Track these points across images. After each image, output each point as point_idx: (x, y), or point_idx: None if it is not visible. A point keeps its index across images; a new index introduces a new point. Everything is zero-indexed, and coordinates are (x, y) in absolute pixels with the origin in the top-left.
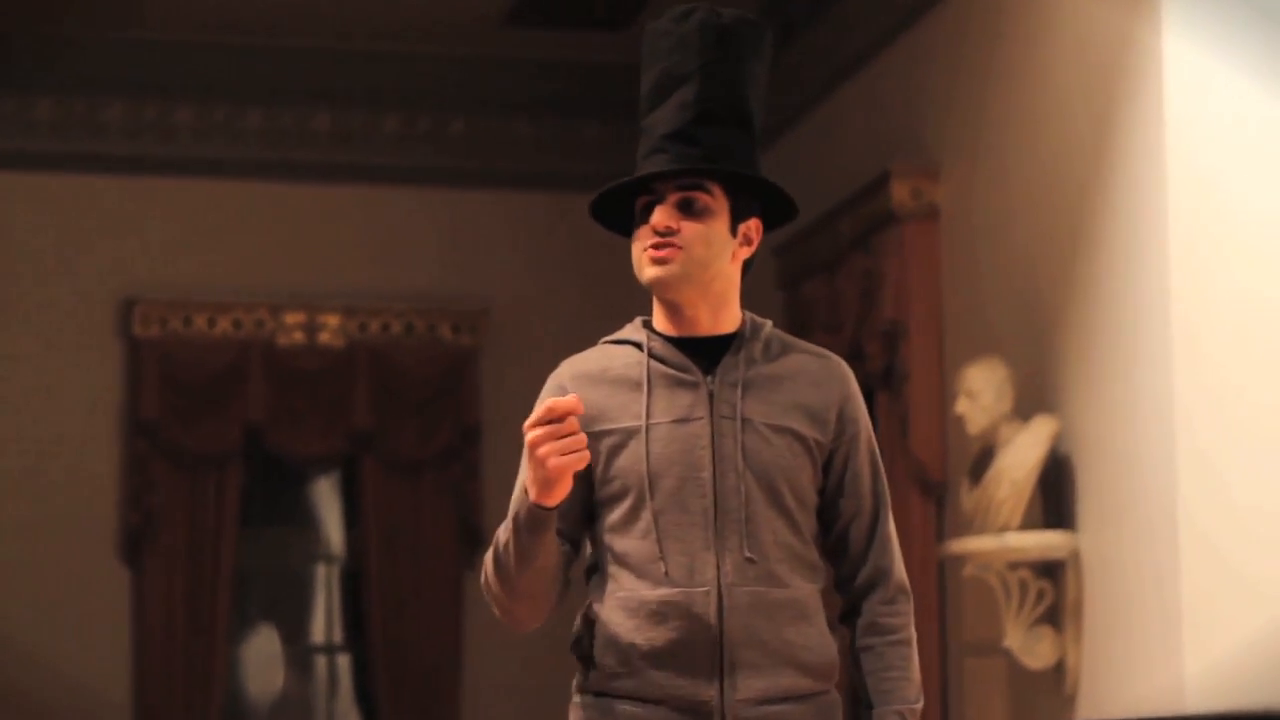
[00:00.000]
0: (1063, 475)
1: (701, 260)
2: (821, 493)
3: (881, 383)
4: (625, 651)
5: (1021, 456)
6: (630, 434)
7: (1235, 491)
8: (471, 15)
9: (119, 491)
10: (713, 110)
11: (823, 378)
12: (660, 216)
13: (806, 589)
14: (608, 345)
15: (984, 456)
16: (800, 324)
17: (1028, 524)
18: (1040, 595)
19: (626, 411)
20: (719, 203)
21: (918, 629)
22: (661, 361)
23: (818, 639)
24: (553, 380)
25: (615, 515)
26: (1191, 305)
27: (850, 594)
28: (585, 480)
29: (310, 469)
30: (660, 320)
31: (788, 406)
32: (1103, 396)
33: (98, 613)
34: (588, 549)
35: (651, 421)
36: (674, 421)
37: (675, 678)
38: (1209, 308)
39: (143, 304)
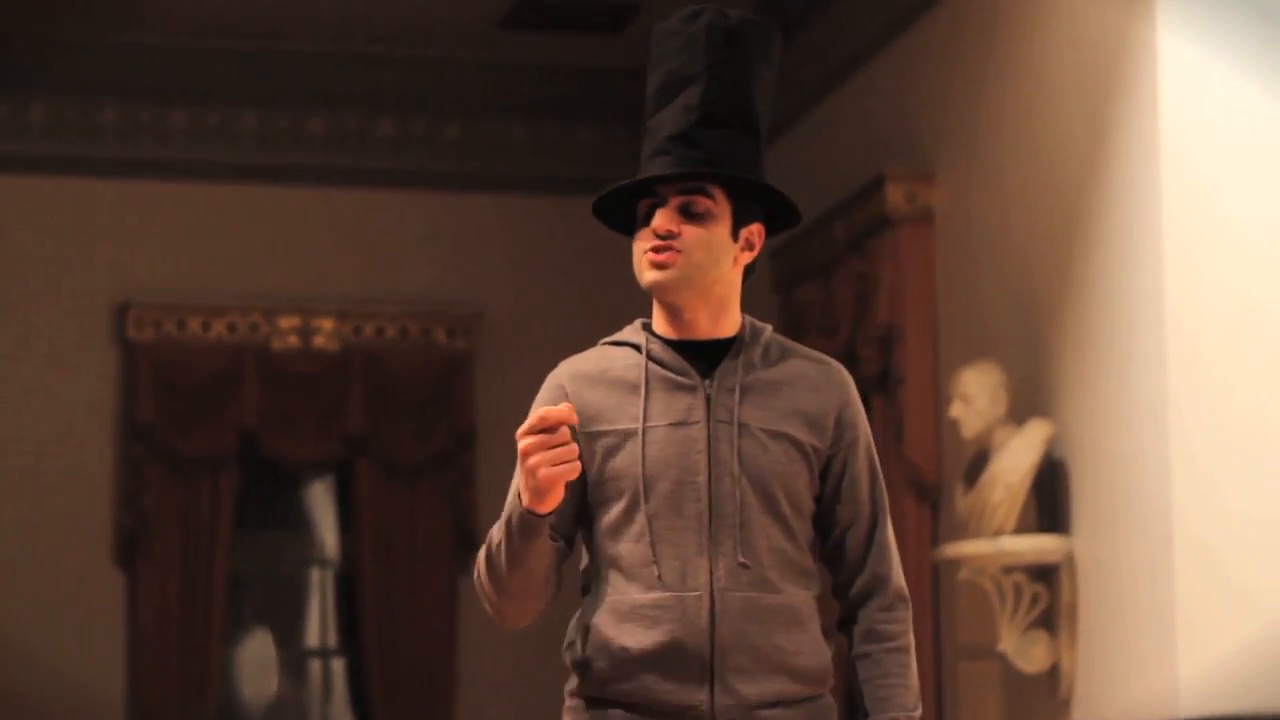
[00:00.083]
0: (1057, 479)
1: (702, 264)
2: (819, 499)
3: (876, 387)
4: (616, 655)
5: (1016, 460)
6: (627, 436)
7: (1229, 495)
8: (467, 19)
9: (113, 495)
10: (717, 113)
11: (821, 383)
12: (661, 220)
13: (800, 595)
14: (607, 346)
15: (978, 460)
16: (795, 328)
17: (1022, 528)
18: (1035, 599)
19: (623, 413)
20: (721, 207)
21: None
22: (660, 364)
23: (810, 644)
24: (551, 380)
25: (609, 517)
26: (1186, 309)
27: (848, 601)
28: (580, 480)
29: (305, 473)
30: (660, 323)
31: (785, 412)
32: (1097, 400)
33: (92, 616)
34: (582, 552)
35: (649, 424)
36: (671, 425)
37: (665, 682)
38: (1204, 311)
39: (137, 308)
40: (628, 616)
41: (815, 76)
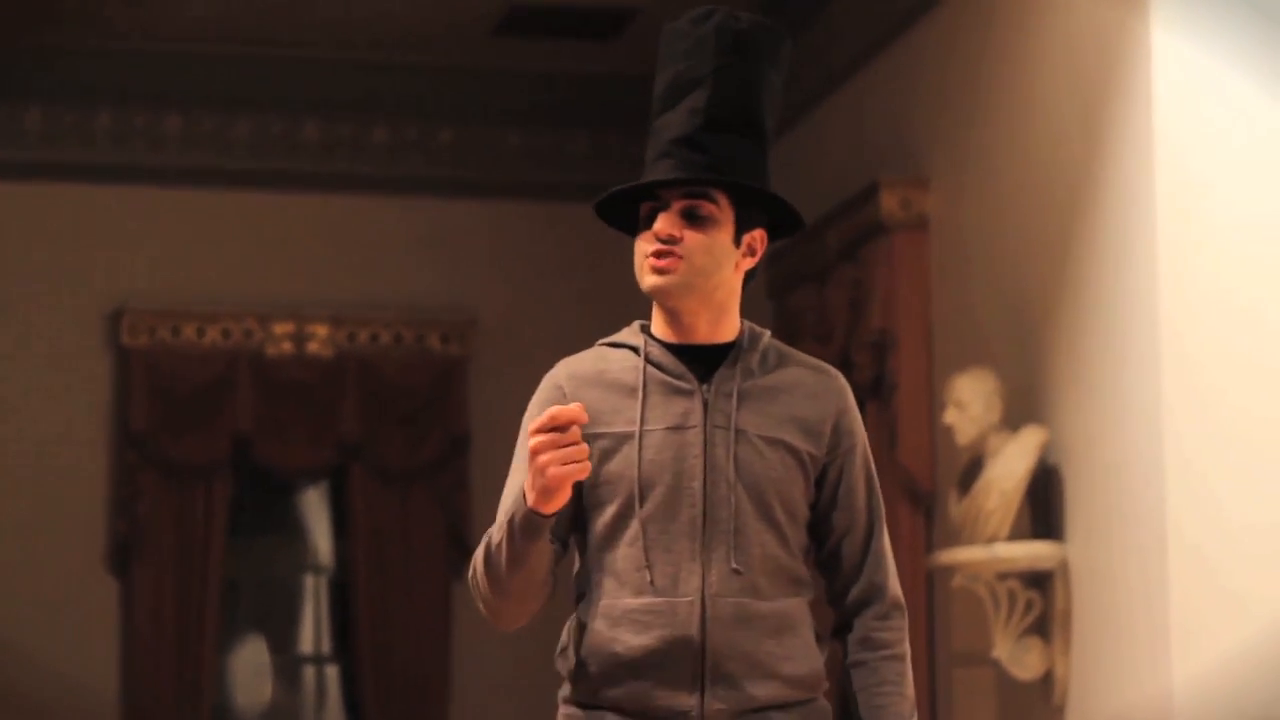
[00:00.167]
0: (1051, 486)
1: (703, 270)
2: (814, 507)
3: (870, 393)
4: (608, 660)
5: (1010, 467)
6: (623, 439)
7: (1223, 502)
8: (461, 25)
9: (107, 501)
10: (723, 117)
11: (819, 391)
12: (663, 224)
13: (792, 602)
14: (604, 348)
15: (972, 467)
16: (789, 334)
17: (1016, 534)
18: (1029, 606)
19: (620, 416)
20: (724, 212)
21: None
22: (658, 368)
23: (802, 650)
24: (548, 380)
25: (603, 521)
26: (1180, 315)
27: (844, 609)
28: (575, 482)
29: (299, 479)
30: (659, 326)
31: (782, 419)
32: (1091, 407)
33: (87, 622)
34: (576, 556)
35: (645, 428)
36: (668, 429)
37: (657, 687)
38: (1198, 317)
39: (131, 314)
40: (619, 621)
41: (809, 83)
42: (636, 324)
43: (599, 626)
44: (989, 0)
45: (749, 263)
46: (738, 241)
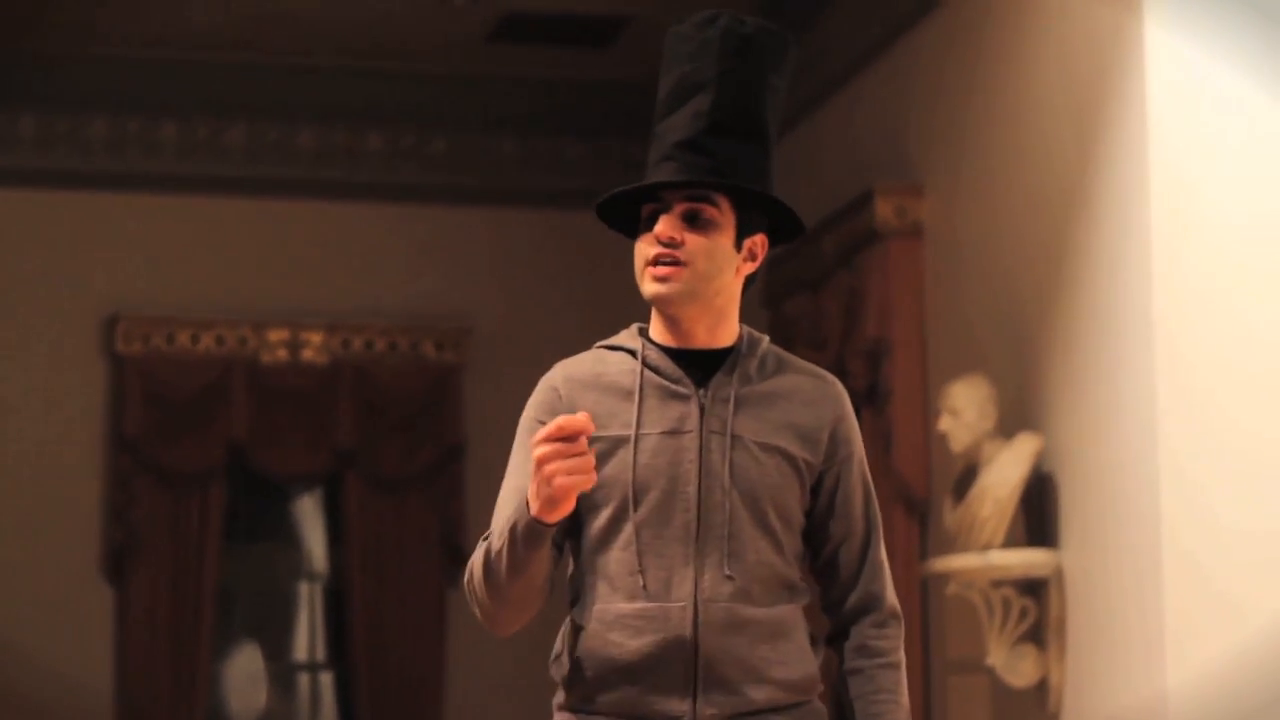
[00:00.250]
0: (1046, 493)
1: (705, 275)
2: (810, 514)
3: (865, 400)
4: (601, 665)
5: (1004, 474)
6: (619, 443)
7: (1217, 509)
8: (455, 32)
9: (102, 509)
10: (727, 121)
11: (816, 398)
12: (665, 226)
13: (786, 609)
14: (602, 350)
15: (967, 474)
16: (784, 342)
17: (1011, 542)
18: (1023, 613)
19: (616, 419)
20: (725, 216)
21: None
22: (655, 371)
23: (795, 654)
24: (545, 382)
25: (597, 524)
26: (1174, 323)
27: (840, 617)
28: None
29: (293, 486)
30: (657, 329)
31: (779, 425)
32: (1086, 414)
33: (82, 629)
34: (570, 559)
35: (641, 432)
36: (663, 433)
37: (648, 693)
38: (1192, 324)
39: (126, 321)
40: (612, 626)
41: (804, 90)
42: (635, 326)
43: (592, 631)
44: (983, 7)
45: (749, 267)
46: (739, 246)
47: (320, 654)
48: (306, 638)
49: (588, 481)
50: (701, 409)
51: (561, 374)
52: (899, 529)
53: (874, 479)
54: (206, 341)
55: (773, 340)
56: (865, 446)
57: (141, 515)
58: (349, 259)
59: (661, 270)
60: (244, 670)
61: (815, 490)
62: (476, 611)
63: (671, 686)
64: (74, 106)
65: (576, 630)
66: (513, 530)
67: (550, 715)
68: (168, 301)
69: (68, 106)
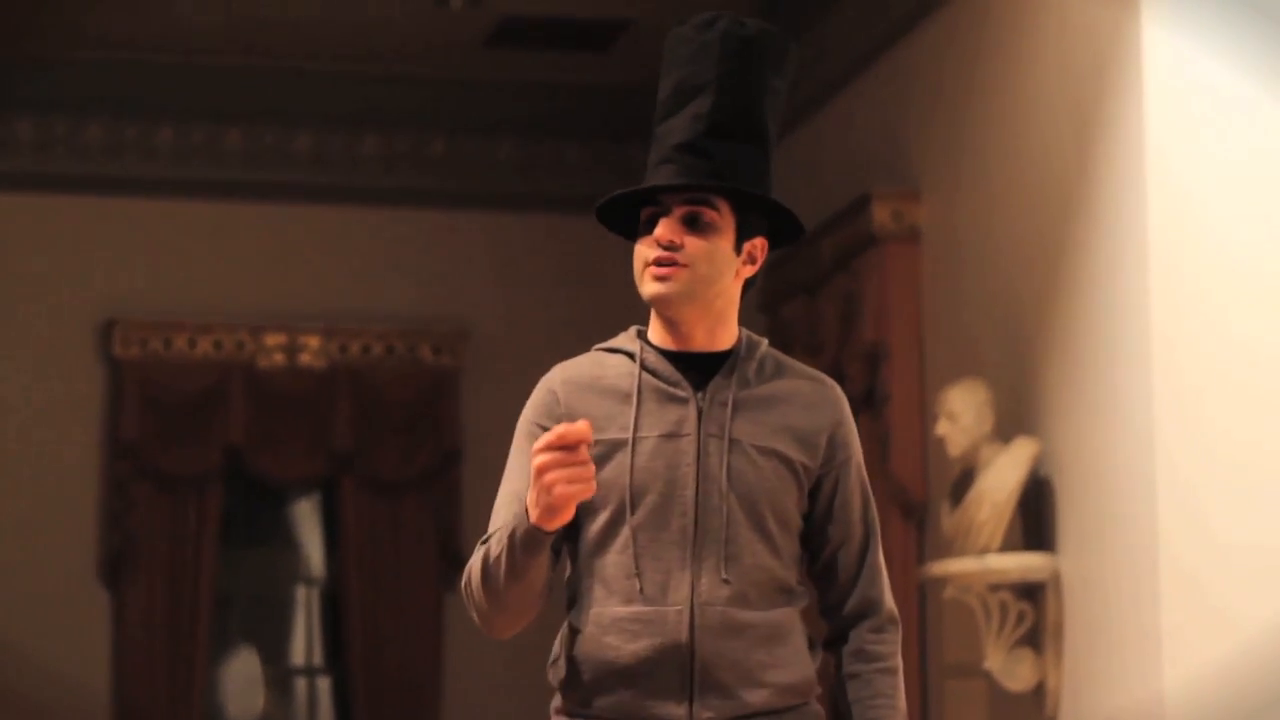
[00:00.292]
0: (1043, 497)
1: (704, 278)
2: (808, 518)
3: (862, 404)
4: (596, 669)
5: (1002, 478)
6: (616, 446)
7: (1214, 513)
8: (453, 36)
9: (99, 513)
10: (726, 123)
11: (815, 401)
12: (664, 229)
13: (783, 612)
14: (601, 352)
15: (964, 478)
16: (781, 346)
17: (1008, 546)
18: (1021, 617)
19: (614, 422)
20: (725, 219)
21: None
22: (654, 374)
23: (792, 657)
24: (543, 385)
25: (595, 527)
26: (1172, 326)
27: (837, 621)
28: None
29: (291, 490)
30: (656, 332)
31: (777, 429)
32: (1083, 418)
33: (79, 633)
34: (567, 563)
35: (639, 435)
36: (661, 436)
37: (645, 696)
38: (1189, 329)
39: (123, 325)
40: (608, 629)
41: (801, 95)
42: (634, 329)
43: (588, 634)
44: (981, 12)
45: (749, 270)
46: (738, 249)
47: (317, 658)
48: (304, 642)
49: (587, 491)
50: (699, 412)
51: (559, 377)
52: (896, 533)
53: (871, 483)
54: (204, 345)
55: (770, 344)
56: (863, 450)
57: (139, 519)
58: (346, 263)
59: (661, 270)
60: (241, 674)
61: (813, 494)
62: (474, 615)
63: (668, 690)
64: (71, 110)
65: (573, 633)
66: (511, 537)
67: (548, 719)
68: (165, 305)
69: (65, 110)
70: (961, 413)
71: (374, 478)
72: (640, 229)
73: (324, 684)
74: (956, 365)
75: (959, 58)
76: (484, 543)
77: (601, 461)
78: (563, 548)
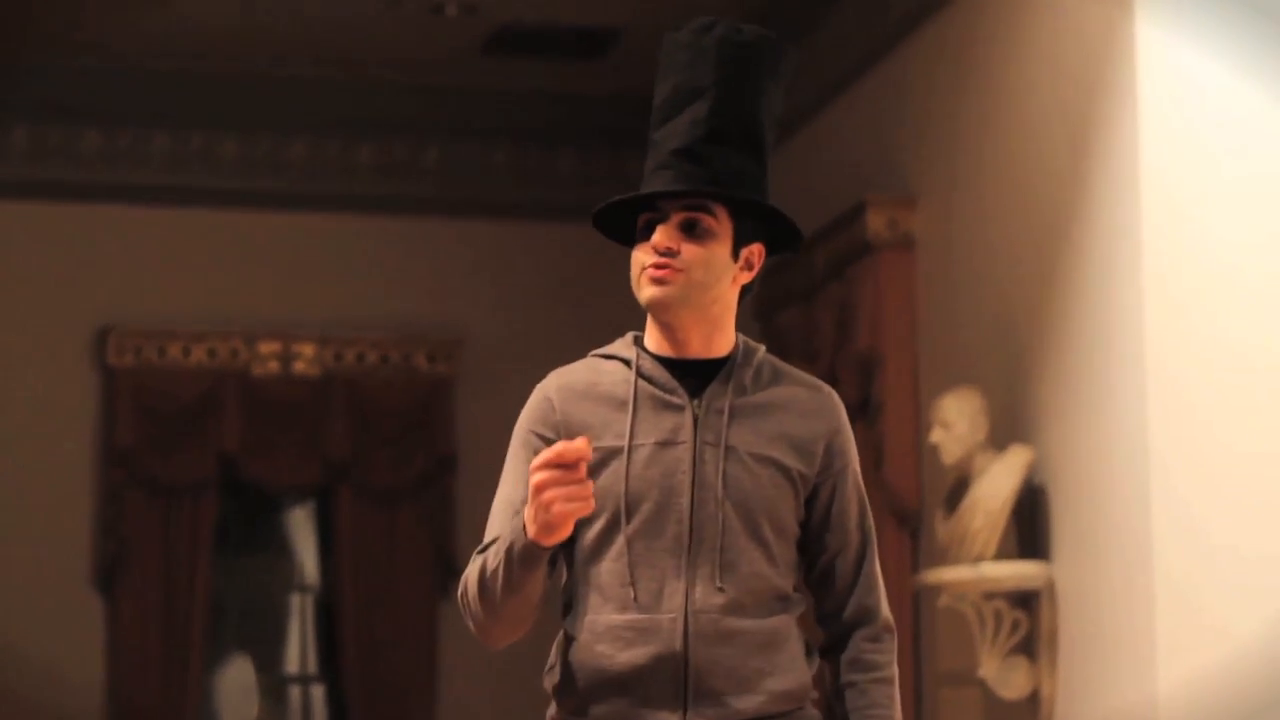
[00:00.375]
0: (1037, 505)
1: (701, 284)
2: (805, 525)
3: (857, 412)
4: (591, 676)
5: (996, 486)
6: (612, 454)
7: (1208, 521)
8: (448, 44)
9: (93, 520)
10: (724, 129)
11: (812, 409)
12: (662, 236)
13: (778, 619)
14: (597, 359)
15: (959, 486)
16: (776, 354)
17: (1002, 554)
18: (1015, 625)
19: (609, 430)
20: (722, 226)
21: None
22: (650, 381)
23: (788, 664)
24: (539, 391)
25: (590, 534)
26: (1166, 335)
27: (834, 629)
28: None
29: (285, 498)
30: (652, 339)
31: (773, 436)
32: (1078, 426)
33: (72, 641)
34: (563, 570)
35: (635, 443)
36: (657, 444)
37: (639, 704)
38: (1184, 336)
39: (118, 333)
40: (602, 637)
41: (795, 103)
42: (630, 335)
43: (583, 642)
44: (975, 20)
45: (746, 277)
46: (736, 255)
47: (312, 666)
48: (298, 650)
49: (585, 508)
50: (695, 420)
51: (555, 383)
52: (890, 541)
53: (866, 491)
54: (198, 354)
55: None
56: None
57: (133, 527)
58: (341, 271)
59: (659, 274)
60: (235, 682)
61: (810, 502)
62: (470, 625)
63: (661, 698)
64: (66, 118)
65: (568, 641)
66: (509, 551)
67: None
68: (159, 314)
69: (60, 118)
70: (956, 421)
71: (368, 485)
72: (637, 235)
73: (318, 691)
74: (951, 373)
75: (953, 66)
76: (480, 552)
77: (597, 469)
78: (559, 555)
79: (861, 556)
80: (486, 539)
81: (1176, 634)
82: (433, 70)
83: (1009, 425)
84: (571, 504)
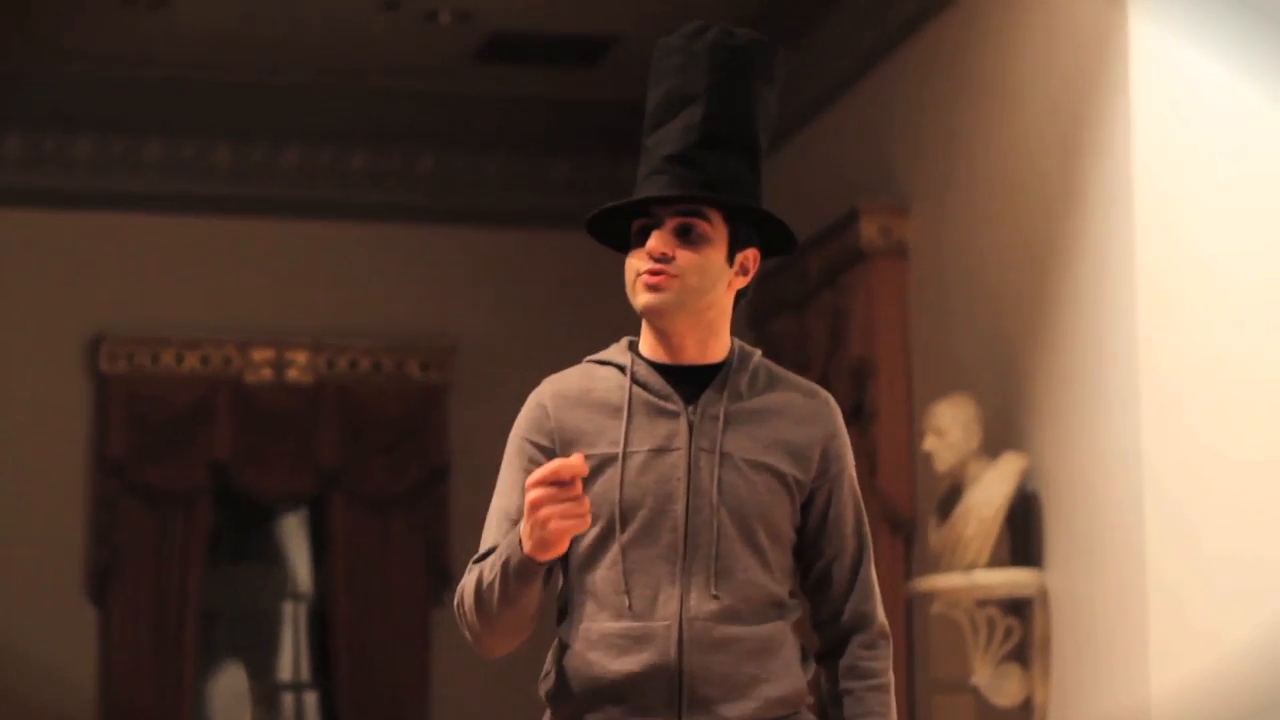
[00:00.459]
0: (1031, 513)
1: (697, 289)
2: (801, 531)
3: (850, 420)
4: (585, 684)
5: (989, 494)
6: (607, 461)
7: (1201, 528)
8: (442, 52)
9: (86, 529)
10: (718, 134)
11: (808, 414)
12: (656, 242)
13: (773, 626)
14: (591, 365)
15: (952, 494)
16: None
17: (995, 561)
18: (1008, 632)
19: (604, 437)
20: (717, 231)
21: None
22: (644, 388)
23: (782, 670)
24: (533, 399)
25: (584, 542)
26: (1159, 342)
27: (830, 635)
28: None
29: (278, 506)
30: (647, 344)
31: (769, 442)
32: (1071, 434)
33: (65, 650)
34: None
35: (629, 450)
36: (652, 451)
37: (633, 713)
38: (1176, 344)
39: (110, 340)
40: (597, 645)
41: (788, 111)
42: (625, 340)
43: (577, 649)
44: (967, 28)
45: (741, 281)
46: (731, 260)
47: (305, 674)
48: (291, 657)
49: (581, 525)
50: (690, 426)
51: (549, 390)
52: (884, 548)
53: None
54: (191, 361)
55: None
56: None
57: (125, 535)
58: (334, 278)
59: (653, 280)
60: (229, 690)
61: (806, 507)
62: (467, 635)
63: (656, 706)
64: (59, 126)
65: (563, 648)
66: (505, 565)
67: None
68: (152, 321)
69: (53, 125)
70: (949, 428)
71: (361, 493)
72: (632, 241)
73: (311, 699)
74: (944, 381)
75: (946, 74)
76: (476, 561)
77: (591, 476)
78: (555, 562)
79: (858, 562)
80: (482, 548)
81: (1169, 641)
82: (426, 77)
83: (1002, 432)
84: (567, 521)
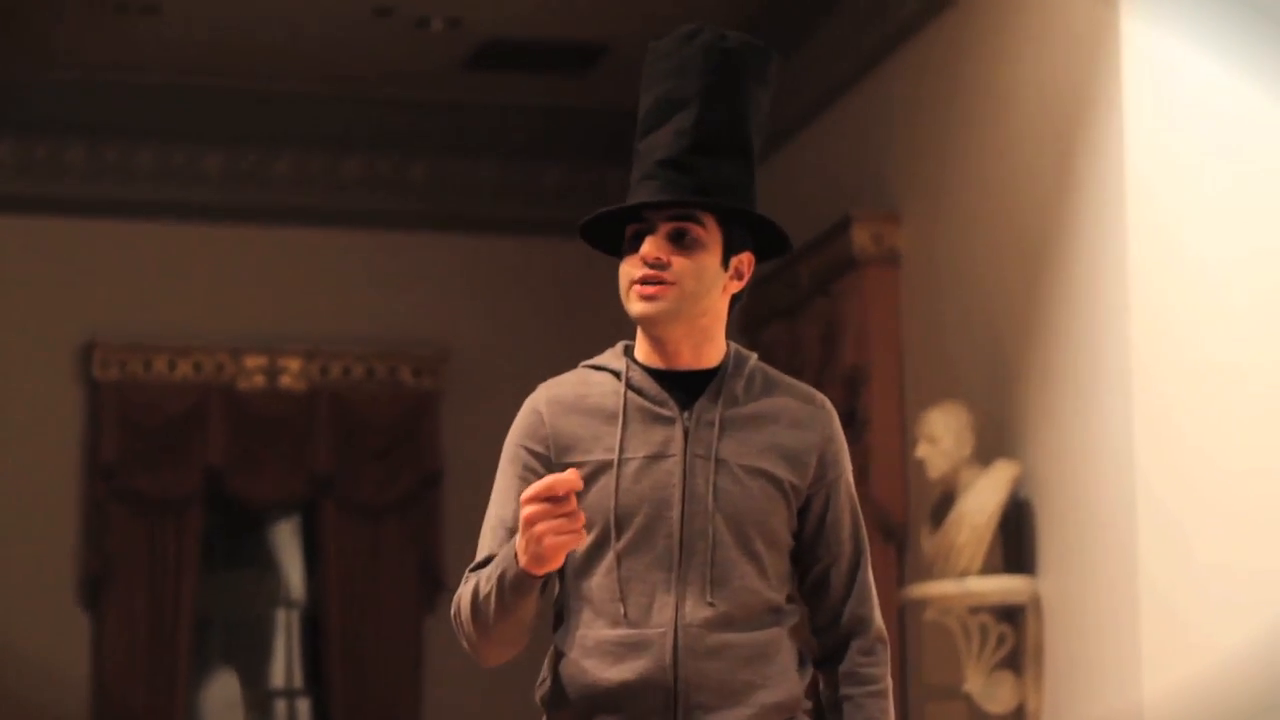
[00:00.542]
0: (1023, 520)
1: (692, 295)
2: (798, 536)
3: (842, 427)
4: (581, 692)
5: (982, 501)
6: (602, 467)
7: (1193, 536)
8: (434, 59)
9: (78, 535)
10: (710, 138)
11: (805, 419)
12: (650, 247)
13: (770, 632)
14: (587, 370)
15: (944, 501)
16: None
17: (988, 568)
18: (1001, 640)
19: (599, 443)
20: (711, 235)
21: None
22: (640, 393)
23: (779, 676)
24: (528, 405)
25: (580, 550)
26: (1152, 349)
27: (828, 641)
28: None
29: (270, 513)
30: (642, 349)
31: (764, 448)
32: (1063, 441)
33: (57, 657)
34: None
35: (624, 456)
36: (647, 457)
37: None
38: (1169, 351)
39: (103, 347)
40: (592, 652)
41: (781, 118)
42: (620, 345)
43: (573, 657)
44: (960, 36)
45: (736, 286)
46: (725, 264)
47: (297, 680)
48: (283, 664)
49: (577, 540)
50: (686, 432)
51: (545, 396)
52: (876, 555)
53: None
54: (183, 368)
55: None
56: None
57: (118, 542)
58: (327, 285)
59: (648, 289)
60: (221, 697)
61: (803, 513)
62: (464, 644)
63: (652, 713)
64: (51, 132)
65: (559, 655)
66: (501, 578)
67: None
68: (145, 328)
69: (45, 132)
70: (941, 435)
71: (354, 500)
72: (625, 247)
73: (303, 705)
74: (936, 388)
75: (938, 82)
76: (473, 570)
77: (587, 484)
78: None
79: (855, 567)
80: (479, 556)
81: (1162, 648)
82: (418, 84)
83: (994, 440)
84: (561, 537)
